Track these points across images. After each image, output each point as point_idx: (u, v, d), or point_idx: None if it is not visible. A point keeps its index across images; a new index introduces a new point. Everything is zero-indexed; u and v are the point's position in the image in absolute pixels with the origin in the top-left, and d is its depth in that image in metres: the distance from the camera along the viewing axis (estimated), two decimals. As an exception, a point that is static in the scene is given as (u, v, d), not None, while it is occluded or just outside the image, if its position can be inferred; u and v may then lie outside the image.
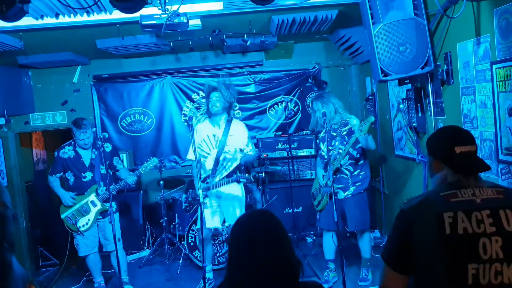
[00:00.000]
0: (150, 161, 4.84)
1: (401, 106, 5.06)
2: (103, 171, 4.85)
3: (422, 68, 3.84)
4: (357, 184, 4.57)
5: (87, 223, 4.81)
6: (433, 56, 3.89)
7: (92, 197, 4.81)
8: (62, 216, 4.86)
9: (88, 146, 4.83)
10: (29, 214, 6.45)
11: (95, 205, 4.81)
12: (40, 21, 4.16)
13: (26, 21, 4.05)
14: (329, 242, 4.76)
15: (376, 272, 4.77)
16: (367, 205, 4.69)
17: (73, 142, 4.89)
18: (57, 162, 4.87)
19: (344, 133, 4.55)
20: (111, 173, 4.96)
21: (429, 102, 4.29)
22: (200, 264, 4.78)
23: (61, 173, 4.90)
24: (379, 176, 6.00)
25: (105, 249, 4.97)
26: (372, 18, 3.83)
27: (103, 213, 4.84)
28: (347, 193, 4.56)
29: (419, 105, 4.52)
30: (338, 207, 4.16)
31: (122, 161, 5.17)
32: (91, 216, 4.81)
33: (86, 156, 4.87)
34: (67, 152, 4.85)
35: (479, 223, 1.70)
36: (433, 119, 4.26)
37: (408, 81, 4.36)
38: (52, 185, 4.93)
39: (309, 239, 6.26)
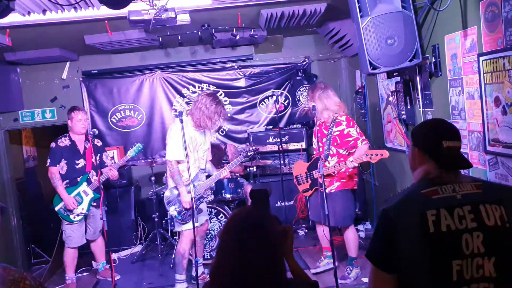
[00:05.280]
0: (134, 147, 5.03)
1: (390, 98, 5.09)
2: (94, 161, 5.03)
3: (410, 60, 3.85)
4: (342, 180, 4.56)
5: (81, 212, 4.96)
6: (421, 48, 3.90)
7: (84, 186, 4.98)
8: (56, 208, 4.94)
9: (83, 130, 5.00)
10: (20, 211, 6.42)
11: (87, 194, 4.98)
12: (27, 17, 4.12)
13: (13, 18, 4.01)
14: (321, 232, 4.79)
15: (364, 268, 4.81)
16: (350, 203, 4.64)
17: (67, 134, 5.07)
18: (56, 152, 4.97)
19: (336, 134, 4.51)
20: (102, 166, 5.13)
21: (418, 95, 4.32)
22: (192, 259, 4.79)
23: (61, 162, 4.96)
24: (369, 169, 6.04)
25: (88, 237, 5.16)
26: (360, 11, 3.82)
27: (97, 201, 4.99)
28: (331, 187, 4.55)
29: (408, 97, 4.55)
30: (325, 200, 4.07)
31: (111, 158, 5.29)
32: (85, 205, 4.97)
33: (80, 144, 5.06)
34: (63, 141, 5.02)
35: (461, 219, 1.69)
36: (421, 111, 4.29)
37: (396, 73, 4.38)
38: (55, 183, 4.92)
39: (300, 232, 6.29)
